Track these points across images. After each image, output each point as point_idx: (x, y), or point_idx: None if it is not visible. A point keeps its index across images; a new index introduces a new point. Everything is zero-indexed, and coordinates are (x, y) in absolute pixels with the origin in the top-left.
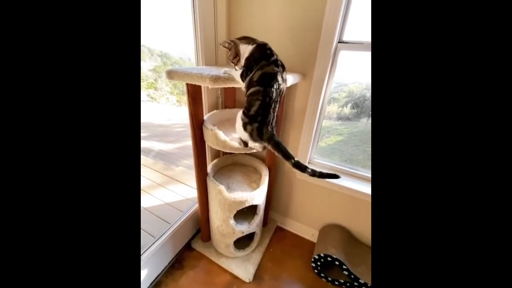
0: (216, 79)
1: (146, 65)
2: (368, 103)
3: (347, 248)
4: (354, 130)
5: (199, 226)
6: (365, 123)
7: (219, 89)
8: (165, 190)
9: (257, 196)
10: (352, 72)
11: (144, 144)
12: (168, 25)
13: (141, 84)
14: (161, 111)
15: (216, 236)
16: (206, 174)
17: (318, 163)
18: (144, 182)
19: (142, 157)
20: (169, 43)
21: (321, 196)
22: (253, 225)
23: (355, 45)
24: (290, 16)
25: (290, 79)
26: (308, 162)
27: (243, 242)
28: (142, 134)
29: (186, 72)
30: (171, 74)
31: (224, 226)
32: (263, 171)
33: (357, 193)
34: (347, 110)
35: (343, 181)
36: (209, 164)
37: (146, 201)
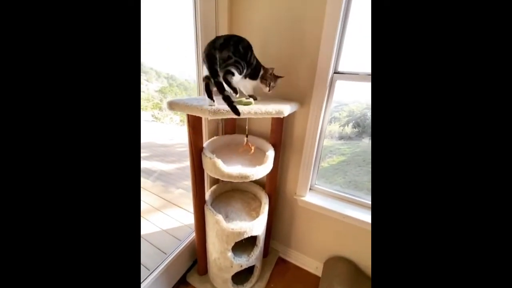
0: (215, 112)
1: (153, 86)
2: (369, 122)
3: (355, 284)
4: (356, 150)
5: (196, 257)
6: (368, 143)
7: None
8: (162, 214)
9: (257, 227)
10: (351, 93)
11: (145, 164)
12: (175, 48)
13: (147, 104)
14: (164, 131)
15: (213, 269)
16: (204, 202)
17: (320, 189)
18: (141, 206)
19: (142, 180)
20: (175, 65)
21: (325, 226)
22: (252, 258)
23: (351, 76)
24: (286, 47)
25: (288, 108)
26: (310, 189)
27: (242, 276)
28: (143, 154)
29: (187, 104)
30: (172, 106)
31: (221, 259)
32: (263, 198)
33: (363, 223)
34: (348, 129)
35: (348, 210)
36: (208, 190)
37: (143, 227)
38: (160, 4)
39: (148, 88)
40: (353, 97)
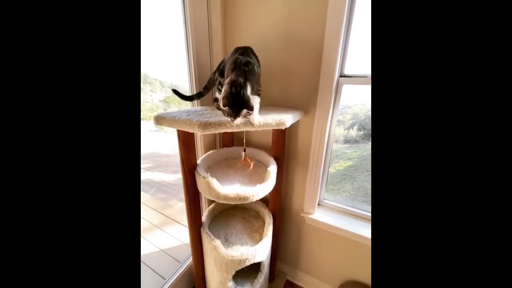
0: (205, 125)
1: (158, 97)
2: None
3: None
4: (363, 154)
5: (194, 284)
6: None
7: None
8: (161, 232)
9: (260, 252)
10: (355, 95)
11: (147, 175)
12: (177, 58)
13: (151, 114)
14: (168, 141)
15: None
16: (200, 224)
17: (330, 205)
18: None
19: (141, 194)
20: (179, 75)
21: (337, 246)
22: (256, 286)
23: (359, 79)
24: (285, 52)
25: (290, 118)
26: (318, 204)
27: None
28: (145, 165)
29: (175, 118)
30: (159, 120)
31: None
32: (267, 217)
33: None
34: (353, 132)
35: (362, 229)
36: (205, 209)
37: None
38: (164, 15)
39: (153, 98)
40: (357, 99)
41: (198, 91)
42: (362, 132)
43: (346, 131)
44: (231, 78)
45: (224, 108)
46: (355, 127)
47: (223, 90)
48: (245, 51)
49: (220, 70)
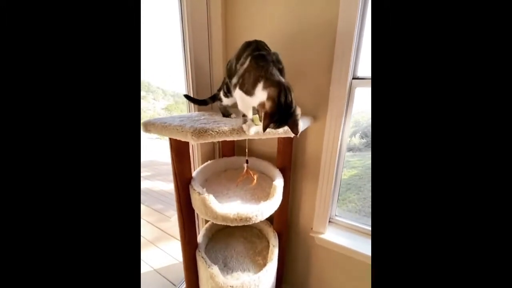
0: (200, 133)
1: (160, 105)
2: None
3: None
4: (367, 163)
5: None
6: None
7: None
8: (156, 249)
9: (264, 281)
10: (356, 103)
11: (146, 184)
12: (179, 65)
13: None
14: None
15: None
16: (195, 247)
17: (343, 222)
18: None
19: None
20: (180, 83)
21: (352, 271)
22: None
23: None
24: (293, 54)
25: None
26: (330, 221)
27: None
28: (145, 174)
29: (165, 125)
30: (147, 127)
31: None
32: (271, 238)
33: None
34: (356, 140)
35: None
36: (202, 227)
37: None
38: (166, 25)
39: (155, 106)
40: (358, 107)
41: (196, 96)
42: (364, 140)
43: (348, 138)
44: (279, 82)
45: (260, 123)
46: (357, 135)
47: (267, 100)
48: (261, 47)
49: (228, 70)
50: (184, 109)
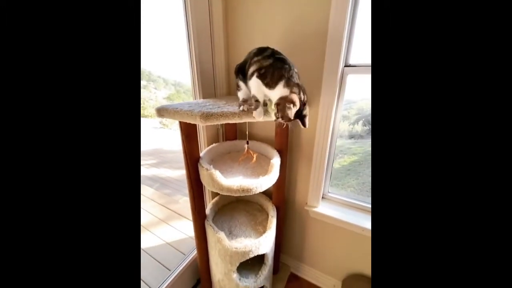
0: (207, 116)
1: (161, 94)
2: None
3: None
4: (368, 149)
5: (199, 276)
6: None
7: None
8: (167, 226)
9: (264, 244)
10: (360, 90)
11: (152, 171)
12: (180, 55)
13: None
14: (172, 137)
15: None
16: (204, 217)
17: (334, 198)
18: (145, 218)
19: (146, 189)
20: (182, 72)
21: (341, 239)
22: (261, 278)
23: (365, 68)
24: (287, 40)
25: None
26: (323, 197)
27: None
28: (151, 162)
29: (176, 110)
30: (161, 112)
31: (226, 281)
32: (270, 210)
33: None
34: (358, 128)
35: (366, 222)
36: (209, 202)
37: (146, 240)
38: (167, 14)
39: (157, 95)
40: (362, 94)
41: (201, 88)
42: (367, 127)
43: (351, 126)
44: (299, 84)
45: (273, 110)
46: (360, 122)
47: (292, 98)
48: (277, 52)
49: (240, 68)
50: (185, 98)
